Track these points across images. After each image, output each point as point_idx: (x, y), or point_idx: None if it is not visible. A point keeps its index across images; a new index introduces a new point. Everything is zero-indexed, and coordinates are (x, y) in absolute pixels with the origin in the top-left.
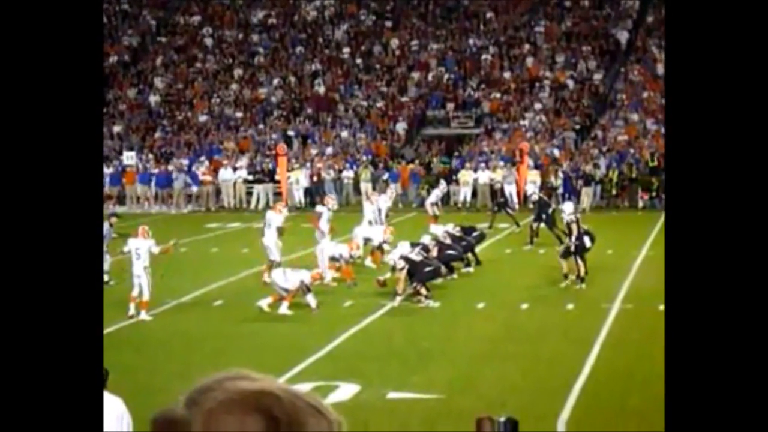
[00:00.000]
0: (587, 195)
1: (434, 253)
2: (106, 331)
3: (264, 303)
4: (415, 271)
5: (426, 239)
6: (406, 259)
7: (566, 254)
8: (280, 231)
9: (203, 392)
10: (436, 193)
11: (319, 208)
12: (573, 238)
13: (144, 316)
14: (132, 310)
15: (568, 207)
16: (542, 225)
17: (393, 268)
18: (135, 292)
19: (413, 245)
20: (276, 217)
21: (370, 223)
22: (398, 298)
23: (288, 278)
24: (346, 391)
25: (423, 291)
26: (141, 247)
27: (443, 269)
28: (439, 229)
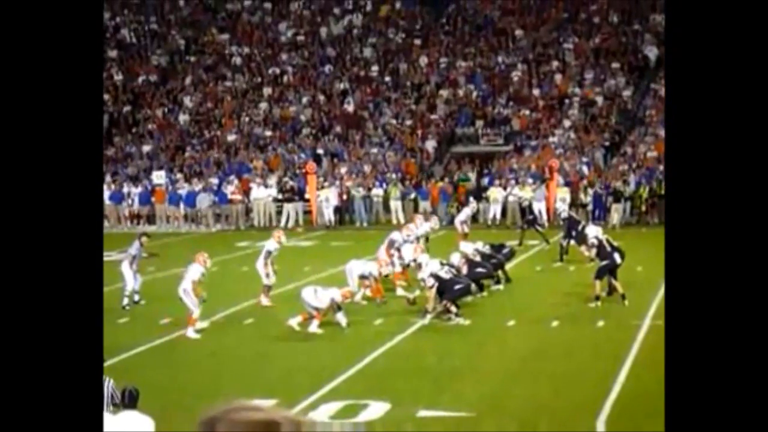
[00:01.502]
0: (617, 212)
1: (464, 270)
2: (136, 350)
3: (294, 322)
4: (445, 289)
5: (455, 257)
6: (436, 277)
7: (600, 275)
8: (268, 255)
9: (211, 423)
10: (466, 212)
11: None
12: (600, 260)
13: (190, 332)
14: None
15: (591, 231)
16: (572, 242)
17: (423, 287)
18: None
19: (443, 264)
20: (270, 244)
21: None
22: (428, 316)
23: (318, 297)
24: (376, 409)
25: (453, 309)
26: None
27: (473, 287)
28: (468, 247)
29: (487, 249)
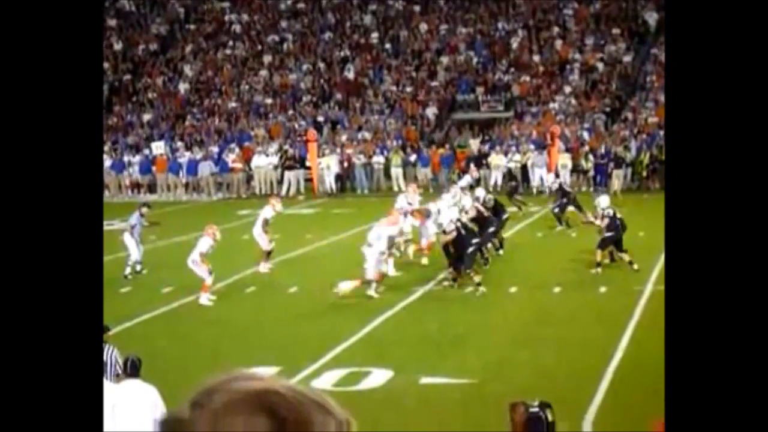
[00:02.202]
0: (618, 178)
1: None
2: (139, 319)
3: (345, 286)
4: (461, 248)
5: (466, 199)
6: (457, 225)
7: (603, 245)
8: (265, 223)
9: (208, 394)
10: (467, 179)
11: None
12: (606, 231)
13: (204, 299)
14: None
15: (603, 201)
16: (571, 208)
17: (443, 231)
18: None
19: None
20: (267, 211)
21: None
22: (431, 283)
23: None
24: (379, 376)
25: (476, 279)
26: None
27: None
28: (482, 192)
29: (491, 201)
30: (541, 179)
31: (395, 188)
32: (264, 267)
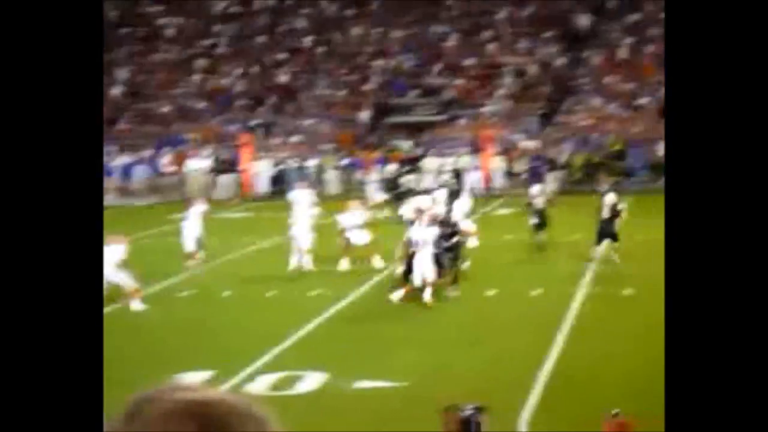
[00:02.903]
0: (552, 180)
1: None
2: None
3: (396, 296)
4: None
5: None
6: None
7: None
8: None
9: (141, 404)
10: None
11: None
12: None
13: (136, 304)
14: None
15: (534, 189)
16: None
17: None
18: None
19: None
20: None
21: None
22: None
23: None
24: (313, 380)
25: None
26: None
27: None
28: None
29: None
30: (476, 183)
31: (328, 192)
32: (192, 263)
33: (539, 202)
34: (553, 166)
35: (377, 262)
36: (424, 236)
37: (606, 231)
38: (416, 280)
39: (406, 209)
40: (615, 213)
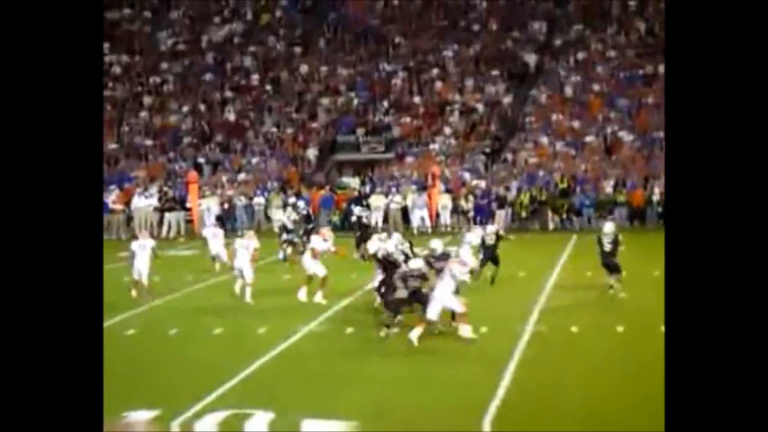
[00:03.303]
0: (500, 217)
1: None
2: None
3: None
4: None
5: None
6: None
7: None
8: (314, 254)
9: None
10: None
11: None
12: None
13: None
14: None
15: (475, 234)
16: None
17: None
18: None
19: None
20: (317, 241)
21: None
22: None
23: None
24: (261, 419)
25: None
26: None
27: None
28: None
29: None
30: (422, 220)
31: (276, 229)
32: (320, 297)
33: (490, 239)
34: (501, 203)
35: (318, 297)
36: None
37: (610, 264)
38: (433, 314)
39: (373, 245)
40: (615, 243)
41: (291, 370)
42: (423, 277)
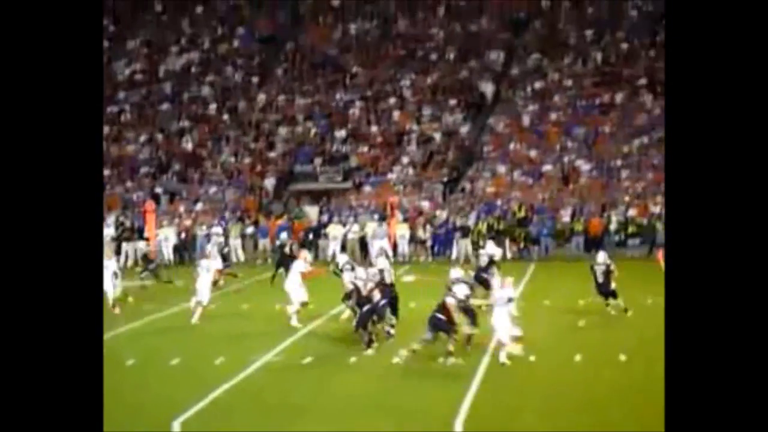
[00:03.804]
0: (462, 246)
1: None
2: None
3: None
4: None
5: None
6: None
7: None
8: (303, 276)
9: None
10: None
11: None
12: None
13: None
14: None
15: (454, 273)
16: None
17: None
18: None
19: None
20: (299, 264)
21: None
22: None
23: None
24: None
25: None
26: None
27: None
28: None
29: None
30: (381, 250)
31: (233, 259)
32: (295, 321)
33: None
34: (465, 232)
35: (294, 321)
36: (503, 295)
37: (606, 291)
38: (503, 336)
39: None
40: (608, 272)
41: (249, 400)
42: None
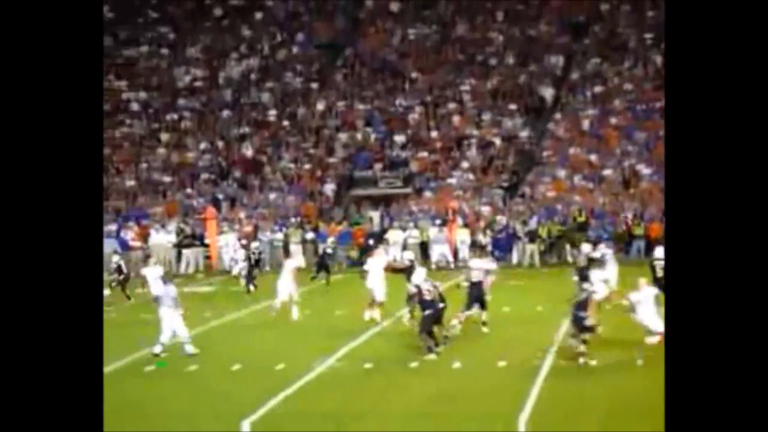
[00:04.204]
0: (520, 251)
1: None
2: None
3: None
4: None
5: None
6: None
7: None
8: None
9: None
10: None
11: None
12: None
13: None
14: None
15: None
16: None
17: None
18: None
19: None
20: (378, 260)
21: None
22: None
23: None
24: None
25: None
26: None
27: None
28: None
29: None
30: (442, 255)
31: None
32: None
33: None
34: (531, 237)
35: (376, 314)
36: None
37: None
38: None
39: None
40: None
41: (310, 406)
42: None
